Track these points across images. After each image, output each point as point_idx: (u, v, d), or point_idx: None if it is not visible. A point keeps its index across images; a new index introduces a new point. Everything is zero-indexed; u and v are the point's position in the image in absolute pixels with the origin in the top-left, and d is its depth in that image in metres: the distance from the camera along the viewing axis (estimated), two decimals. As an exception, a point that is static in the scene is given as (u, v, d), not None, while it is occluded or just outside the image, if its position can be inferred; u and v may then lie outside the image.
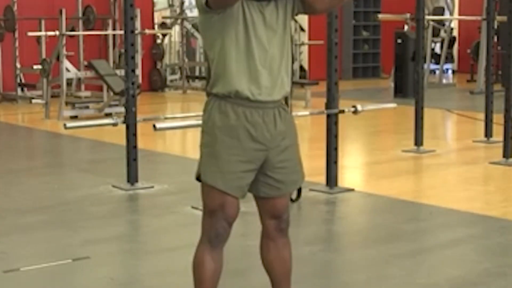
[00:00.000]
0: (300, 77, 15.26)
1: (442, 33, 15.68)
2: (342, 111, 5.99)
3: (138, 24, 11.78)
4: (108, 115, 10.26)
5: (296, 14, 3.01)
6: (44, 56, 11.92)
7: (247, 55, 2.87)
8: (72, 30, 12.86)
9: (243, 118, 2.90)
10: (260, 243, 3.14)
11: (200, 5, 2.86)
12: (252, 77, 2.88)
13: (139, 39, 11.74)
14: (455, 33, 18.10)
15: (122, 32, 6.50)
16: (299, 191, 5.42)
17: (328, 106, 5.96)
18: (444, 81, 16.01)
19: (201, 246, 2.99)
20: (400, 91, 13.14)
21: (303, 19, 16.33)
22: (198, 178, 2.99)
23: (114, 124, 5.85)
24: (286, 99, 3.04)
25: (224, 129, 2.91)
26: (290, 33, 3.00)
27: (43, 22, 12.46)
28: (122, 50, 8.16)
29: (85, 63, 12.13)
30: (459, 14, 16.78)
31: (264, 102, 2.91)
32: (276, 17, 2.92)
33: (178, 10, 15.16)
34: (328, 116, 5.97)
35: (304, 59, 16.49)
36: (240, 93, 2.88)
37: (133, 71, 6.11)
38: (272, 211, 3.05)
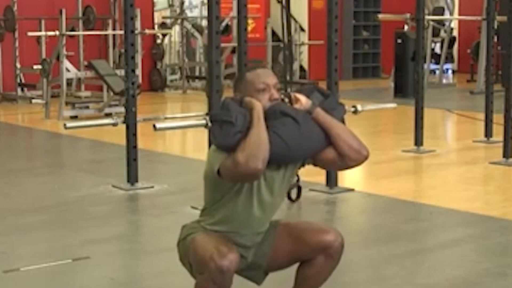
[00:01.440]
0: (300, 77, 15.26)
1: (442, 33, 15.67)
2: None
3: (138, 24, 11.77)
4: (108, 115, 10.26)
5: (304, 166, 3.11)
6: (44, 56, 11.92)
7: (246, 206, 2.96)
8: (72, 30, 12.85)
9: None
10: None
11: (211, 170, 2.92)
12: (246, 222, 2.98)
13: (139, 39, 11.74)
14: (455, 33, 18.10)
15: (122, 32, 6.50)
16: (299, 191, 5.42)
17: (328, 106, 5.95)
18: (444, 81, 16.01)
19: (204, 282, 2.88)
20: (400, 91, 13.13)
21: (303, 19, 16.34)
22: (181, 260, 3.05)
23: (114, 124, 5.85)
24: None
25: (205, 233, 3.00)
26: (288, 186, 3.13)
27: (43, 22, 12.45)
28: (122, 50, 8.16)
29: (85, 63, 12.12)
30: (459, 14, 16.78)
31: (253, 234, 3.03)
32: (282, 179, 3.00)
33: (178, 10, 15.16)
34: (328, 116, 5.96)
35: (304, 59, 16.49)
36: (230, 231, 2.98)
37: (133, 71, 6.11)
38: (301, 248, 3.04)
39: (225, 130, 2.86)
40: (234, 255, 2.81)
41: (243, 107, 2.91)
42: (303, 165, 3.07)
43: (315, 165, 3.08)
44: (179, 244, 3.05)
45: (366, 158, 3.01)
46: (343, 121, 3.10)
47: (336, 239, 3.01)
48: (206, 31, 13.85)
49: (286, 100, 3.01)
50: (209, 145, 5.12)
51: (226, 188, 2.94)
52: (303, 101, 2.99)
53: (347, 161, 2.98)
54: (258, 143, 2.80)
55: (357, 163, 3.00)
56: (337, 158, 2.98)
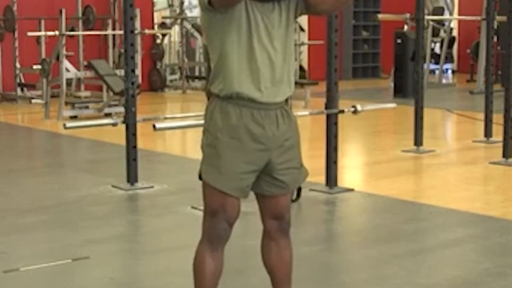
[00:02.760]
0: (300, 77, 15.26)
1: (442, 33, 15.68)
2: (342, 111, 5.99)
3: (138, 24, 11.78)
4: (108, 115, 10.26)
5: (300, 15, 3.01)
6: (44, 56, 11.92)
7: (249, 57, 2.87)
8: (72, 30, 12.86)
9: (245, 118, 2.89)
10: (261, 244, 3.14)
11: (203, 4, 2.86)
12: (254, 79, 2.87)
13: (138, 39, 11.74)
14: (455, 33, 18.11)
15: (122, 32, 6.50)
16: (299, 191, 5.42)
17: (328, 106, 5.96)
18: (443, 81, 16.01)
19: (201, 246, 2.99)
20: (400, 91, 13.14)
21: (303, 19, 16.33)
22: (200, 177, 2.99)
23: (114, 124, 5.85)
24: (286, 99, 3.04)
25: (226, 130, 2.90)
26: (292, 34, 3.00)
27: (43, 22, 12.46)
28: (122, 50, 8.16)
29: (85, 63, 12.13)
30: (459, 14, 16.79)
31: (266, 104, 2.90)
32: (279, 19, 2.91)
33: (177, 10, 15.16)
34: (328, 116, 5.97)
35: (304, 59, 16.49)
36: (241, 94, 2.87)
37: (133, 71, 6.11)
38: (273, 211, 3.05)
39: None
40: (233, 214, 2.93)
41: None
42: (296, 14, 2.95)
43: (308, 10, 2.97)
44: (204, 134, 3.00)
45: None
46: None
47: (281, 217, 3.05)
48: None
49: None
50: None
51: (223, 34, 2.85)
52: None
53: None
54: None
55: None
56: None
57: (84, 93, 12.45)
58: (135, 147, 6.07)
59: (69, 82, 11.82)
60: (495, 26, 9.34)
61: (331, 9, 3.09)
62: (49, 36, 11.48)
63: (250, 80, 2.88)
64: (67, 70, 11.13)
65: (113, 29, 13.42)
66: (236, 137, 2.90)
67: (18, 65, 12.58)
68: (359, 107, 6.04)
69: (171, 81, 15.34)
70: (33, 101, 11.96)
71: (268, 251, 3.11)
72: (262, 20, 2.87)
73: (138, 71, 10.54)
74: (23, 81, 12.81)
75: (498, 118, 7.98)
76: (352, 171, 7.13)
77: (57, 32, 11.02)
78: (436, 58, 16.42)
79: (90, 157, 8.13)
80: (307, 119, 9.07)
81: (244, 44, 2.87)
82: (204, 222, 2.98)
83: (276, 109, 2.94)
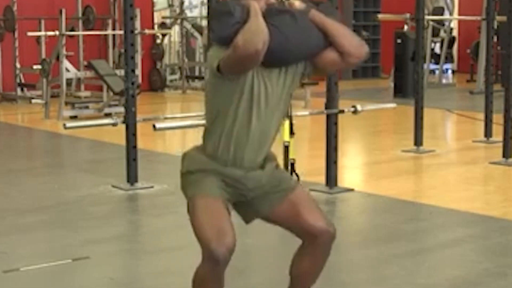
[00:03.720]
0: (300, 80, 15.24)
1: (442, 33, 15.67)
2: (342, 111, 5.99)
3: (138, 24, 11.77)
4: (108, 115, 10.26)
5: (306, 77, 3.07)
6: (44, 56, 11.92)
7: (244, 126, 2.94)
8: (72, 30, 12.85)
9: (224, 172, 2.98)
10: (298, 249, 3.10)
11: (211, 69, 2.90)
12: (241, 147, 2.95)
13: (138, 39, 11.74)
14: (455, 33, 18.10)
15: (122, 32, 6.50)
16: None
17: (328, 106, 5.96)
18: (443, 81, 16.01)
19: (202, 269, 2.89)
20: (400, 91, 13.13)
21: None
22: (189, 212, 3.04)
23: (114, 124, 5.85)
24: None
25: (204, 168, 3.00)
26: (289, 101, 3.07)
27: (43, 22, 12.45)
28: (122, 50, 8.16)
29: (85, 63, 12.13)
30: (459, 14, 16.78)
31: (248, 167, 2.99)
32: (283, 86, 2.96)
33: (178, 10, 15.16)
34: (328, 116, 5.97)
35: (304, 59, 16.46)
36: (224, 160, 2.97)
37: (133, 71, 6.11)
38: (297, 224, 3.03)
39: (223, 21, 2.85)
40: (230, 239, 2.82)
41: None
42: (302, 76, 3.01)
43: (315, 71, 3.03)
44: (181, 176, 3.09)
45: (366, 54, 2.96)
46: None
47: (327, 230, 3.00)
48: (206, 31, 13.85)
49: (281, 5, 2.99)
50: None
51: (225, 98, 2.91)
52: (297, 4, 2.97)
53: (348, 59, 2.93)
54: (256, 28, 2.77)
55: (358, 59, 2.96)
56: (337, 57, 2.93)
57: (84, 93, 12.44)
58: (135, 147, 6.07)
59: (69, 82, 11.82)
60: (495, 26, 9.34)
61: (338, 69, 3.15)
62: (49, 36, 11.48)
63: (236, 149, 2.96)
64: (67, 70, 11.13)
65: (113, 29, 13.41)
66: (213, 174, 2.99)
67: (18, 65, 12.58)
68: (359, 107, 6.04)
69: (171, 81, 15.34)
70: (33, 101, 11.95)
71: (301, 259, 3.07)
72: (265, 89, 2.92)
73: (138, 71, 10.54)
74: (23, 81, 12.81)
75: (498, 118, 7.98)
76: (352, 171, 7.13)
77: (57, 32, 11.02)
78: (436, 58, 16.41)
79: (90, 157, 8.13)
80: (307, 119, 9.06)
81: (243, 114, 2.93)
82: (202, 251, 2.89)
83: (257, 167, 3.02)
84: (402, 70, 13.19)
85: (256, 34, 2.75)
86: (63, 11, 11.18)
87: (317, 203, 3.13)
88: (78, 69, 12.21)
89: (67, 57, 11.26)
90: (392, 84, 13.85)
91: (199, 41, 15.28)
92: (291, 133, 5.07)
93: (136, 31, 7.96)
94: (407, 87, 12.84)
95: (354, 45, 2.93)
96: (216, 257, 2.79)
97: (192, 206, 2.98)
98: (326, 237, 3.00)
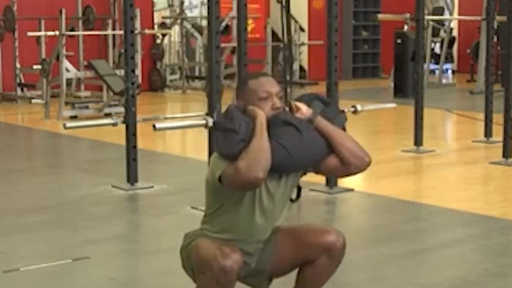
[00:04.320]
0: (300, 77, 15.26)
1: (442, 33, 15.67)
2: (342, 111, 5.98)
3: (138, 24, 11.78)
4: (108, 115, 10.26)
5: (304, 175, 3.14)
6: (44, 56, 11.92)
7: (248, 222, 2.97)
8: (72, 30, 12.85)
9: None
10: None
11: (213, 175, 2.93)
12: (243, 237, 3.00)
13: (138, 39, 11.74)
14: (455, 33, 18.10)
15: (122, 32, 6.50)
16: (299, 191, 5.40)
17: (328, 106, 5.95)
18: (444, 81, 16.01)
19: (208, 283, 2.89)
20: (400, 91, 13.13)
21: (303, 19, 16.34)
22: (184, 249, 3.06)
23: (114, 124, 5.85)
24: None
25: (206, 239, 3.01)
26: (291, 192, 3.14)
27: (43, 22, 12.46)
28: (122, 50, 8.16)
29: (85, 63, 12.13)
30: (459, 14, 16.78)
31: (248, 247, 3.03)
32: (284, 188, 3.02)
33: (178, 10, 15.16)
34: (328, 116, 5.96)
35: (304, 59, 16.49)
36: (230, 240, 2.99)
37: (133, 71, 6.11)
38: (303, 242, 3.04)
39: (228, 138, 2.88)
40: (237, 256, 2.82)
41: (246, 115, 2.92)
42: (305, 173, 3.09)
43: (316, 172, 3.10)
44: (182, 251, 3.08)
45: (368, 165, 3.02)
46: (344, 129, 3.13)
47: (338, 239, 3.01)
48: (206, 31, 13.85)
49: (287, 109, 3.02)
50: (209, 147, 5.13)
51: (227, 195, 2.95)
52: (304, 110, 3.01)
53: (350, 168, 3.00)
54: (259, 152, 2.81)
55: (360, 170, 3.02)
56: (339, 165, 2.99)
57: (84, 93, 12.44)
58: (135, 147, 6.07)
59: (69, 82, 11.82)
60: (495, 26, 9.33)
61: (339, 173, 3.27)
62: (49, 36, 11.48)
63: (245, 232, 3.00)
64: (67, 70, 11.13)
65: (113, 29, 13.41)
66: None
67: (18, 65, 12.58)
68: (359, 107, 6.04)
69: (171, 81, 15.34)
70: (33, 101, 11.96)
71: (313, 264, 3.05)
72: (267, 191, 2.97)
73: (138, 71, 10.54)
74: (23, 81, 12.81)
75: (498, 118, 7.98)
76: (352, 171, 7.11)
77: (57, 32, 11.02)
78: (436, 58, 16.41)
79: (90, 157, 8.13)
80: (307, 119, 9.04)
81: (245, 212, 2.96)
82: (208, 274, 2.86)
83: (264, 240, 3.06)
84: (402, 70, 13.19)
85: (258, 161, 2.79)
86: (63, 11, 11.19)
87: (310, 224, 3.16)
88: (78, 69, 12.21)
89: (67, 57, 11.26)
90: (392, 84, 13.85)
91: (199, 41, 15.27)
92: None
93: (136, 31, 7.97)
94: (407, 87, 12.84)
95: (357, 156, 3.00)
96: (223, 267, 2.78)
97: (195, 248, 2.97)
98: (338, 248, 3.03)
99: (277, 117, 2.95)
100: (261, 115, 2.90)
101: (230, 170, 2.83)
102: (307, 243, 3.00)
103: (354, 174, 3.04)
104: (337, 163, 2.99)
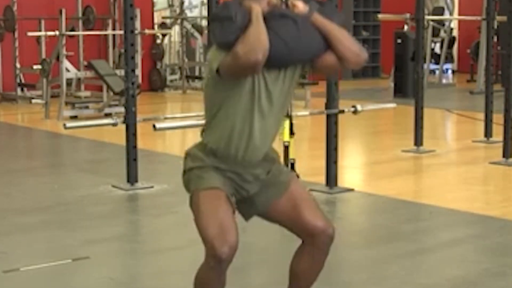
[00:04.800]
0: (300, 77, 15.24)
1: (442, 33, 15.67)
2: (342, 111, 5.99)
3: (138, 24, 11.77)
4: (108, 115, 10.26)
5: (305, 74, 3.08)
6: (44, 56, 11.93)
7: (245, 120, 2.94)
8: (72, 30, 12.86)
9: (226, 167, 3.00)
10: (297, 250, 3.11)
11: (211, 69, 2.91)
12: (243, 141, 2.96)
13: (139, 39, 11.74)
14: (455, 33, 18.10)
15: (122, 32, 6.51)
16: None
17: (328, 106, 5.96)
18: (444, 81, 16.01)
19: (205, 267, 2.92)
20: (400, 91, 13.13)
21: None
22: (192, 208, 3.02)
23: (114, 124, 5.85)
24: None
25: (205, 163, 3.01)
26: (291, 97, 3.08)
27: (43, 22, 12.46)
28: (122, 50, 8.17)
29: (85, 63, 12.13)
30: (459, 14, 16.78)
31: (248, 161, 3.00)
32: (281, 85, 2.97)
33: (178, 10, 15.16)
34: (328, 116, 5.97)
35: (304, 59, 16.46)
36: (226, 154, 2.98)
37: (133, 71, 6.11)
38: (294, 222, 3.03)
39: (225, 27, 2.86)
40: (233, 239, 2.83)
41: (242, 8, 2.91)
42: (303, 75, 3.04)
43: (313, 71, 3.07)
44: (183, 174, 3.10)
45: (365, 61, 2.99)
46: (344, 28, 3.07)
47: (325, 230, 3.00)
48: (206, 31, 13.85)
49: (284, 6, 2.99)
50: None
51: (226, 93, 2.92)
52: (301, 6, 2.97)
53: (347, 64, 2.97)
54: (257, 37, 2.79)
55: (356, 65, 2.99)
56: (336, 62, 2.96)
57: (84, 93, 12.45)
58: (135, 147, 6.07)
59: (69, 82, 11.82)
60: (495, 26, 9.33)
61: (336, 71, 3.17)
62: (49, 36, 11.48)
63: (244, 138, 2.95)
64: (67, 70, 11.13)
65: (113, 29, 13.41)
66: (215, 171, 3.00)
67: (18, 65, 12.58)
68: (359, 107, 6.04)
69: (171, 81, 15.34)
70: (33, 101, 11.97)
71: (300, 259, 3.08)
72: (265, 87, 2.93)
73: (138, 71, 10.53)
74: (23, 81, 12.81)
75: (498, 118, 7.98)
76: (352, 171, 7.13)
77: (57, 32, 11.02)
78: (436, 58, 16.41)
79: (90, 157, 8.13)
80: (307, 119, 9.07)
81: (244, 109, 2.93)
82: (205, 249, 2.90)
83: (257, 165, 3.02)
84: (402, 70, 13.19)
85: (256, 44, 2.77)
86: (63, 11, 11.19)
87: (317, 202, 3.13)
88: (78, 69, 12.21)
89: (67, 57, 11.26)
90: (392, 84, 13.85)
91: (199, 41, 15.27)
92: (291, 133, 5.08)
93: (136, 31, 7.96)
94: (407, 87, 12.84)
95: (353, 51, 2.96)
96: (219, 256, 2.81)
97: (195, 201, 2.98)
98: (325, 237, 3.01)
99: (273, 11, 2.92)
100: (257, 8, 2.88)
101: (228, 57, 2.81)
102: (299, 218, 3.01)
103: (351, 68, 3.04)
104: (334, 59, 2.95)
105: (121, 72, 9.74)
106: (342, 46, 2.94)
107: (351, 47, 2.96)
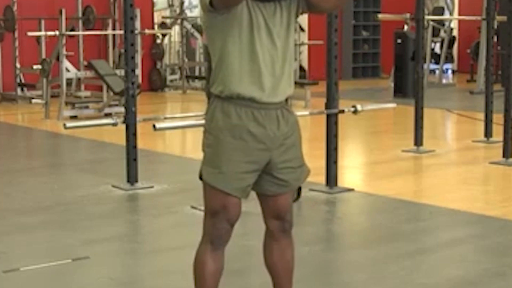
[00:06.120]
0: (300, 77, 15.25)
1: (442, 33, 15.68)
2: (342, 111, 5.99)
3: (138, 24, 11.77)
4: (108, 115, 10.26)
5: (301, 14, 3.02)
6: (44, 56, 11.92)
7: (250, 57, 2.87)
8: (72, 30, 12.86)
9: (246, 119, 2.90)
10: (263, 244, 3.14)
11: (204, 5, 2.87)
12: (255, 78, 2.88)
13: (139, 39, 11.73)
14: (455, 33, 18.11)
15: (122, 32, 6.51)
16: (299, 191, 5.42)
17: (328, 106, 5.96)
18: (444, 81, 16.01)
19: (202, 246, 2.99)
20: (400, 91, 13.14)
21: (303, 19, 16.33)
22: (201, 177, 2.99)
23: (114, 124, 5.85)
24: (286, 99, 3.05)
25: (227, 130, 2.91)
26: (293, 34, 3.01)
27: (43, 22, 12.46)
28: (122, 50, 8.17)
29: (85, 63, 12.13)
30: (459, 14, 16.79)
31: (267, 104, 2.91)
32: (280, 18, 2.92)
33: (178, 10, 15.16)
34: (328, 116, 5.97)
35: (304, 59, 16.49)
36: (242, 95, 2.88)
37: (133, 71, 6.11)
38: (275, 210, 3.05)
39: None
40: (234, 214, 2.92)
41: None
42: (297, 12, 2.96)
43: (310, 8, 2.98)
44: (204, 133, 3.01)
45: None
46: None
47: (281, 228, 3.06)
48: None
49: None
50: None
51: (225, 31, 2.86)
52: None
53: None
54: None
55: None
56: None
57: (84, 93, 12.45)
58: (135, 147, 6.07)
59: (69, 82, 11.82)
60: (495, 26, 9.33)
61: (333, 7, 3.14)
62: (49, 36, 11.48)
63: (251, 81, 2.88)
64: (67, 70, 11.13)
65: (113, 29, 13.42)
66: (237, 137, 2.90)
67: (18, 65, 12.58)
68: (359, 107, 6.04)
69: (171, 81, 15.34)
70: (33, 101, 11.97)
71: (270, 251, 3.12)
72: (264, 20, 2.88)
73: (138, 71, 10.53)
74: (23, 81, 12.82)
75: (498, 118, 7.98)
76: (352, 171, 7.13)
77: (57, 32, 11.02)
78: (436, 58, 16.42)
79: (90, 157, 8.13)
80: (307, 119, 9.07)
81: (246, 45, 2.87)
82: (204, 223, 2.98)
83: (276, 108, 2.95)
84: (402, 70, 13.19)
85: None
86: (63, 11, 11.18)
87: (291, 201, 3.14)
88: (78, 69, 12.21)
89: (67, 57, 11.26)
90: (392, 84, 13.86)
91: (199, 41, 15.27)
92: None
93: (136, 31, 7.96)
94: (407, 87, 12.84)
95: None
96: (217, 229, 2.92)
97: (207, 188, 2.97)
98: (281, 222, 3.06)
99: None
100: None
101: None
102: (269, 206, 3.05)
103: (342, 4, 3.00)
104: None
105: (121, 72, 9.75)
106: None
107: None
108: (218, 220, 2.93)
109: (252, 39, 2.87)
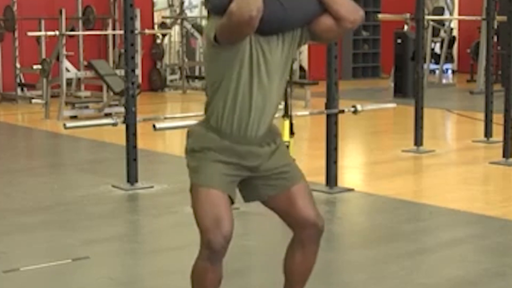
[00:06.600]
0: (300, 77, 15.25)
1: (442, 33, 15.68)
2: (342, 111, 5.99)
3: (138, 24, 11.76)
4: (108, 115, 10.26)
5: (304, 44, 3.05)
6: (44, 56, 11.92)
7: (246, 95, 2.91)
8: (72, 30, 12.86)
9: (227, 147, 2.97)
10: (289, 244, 3.12)
11: (208, 39, 2.89)
12: (244, 117, 2.94)
13: (139, 39, 11.73)
14: (455, 33, 18.11)
15: (122, 32, 6.51)
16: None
17: (328, 106, 5.96)
18: (444, 81, 16.01)
19: (200, 260, 2.95)
20: (400, 91, 13.14)
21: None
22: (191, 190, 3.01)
23: (114, 124, 5.85)
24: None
25: (208, 146, 2.99)
26: (290, 68, 3.04)
27: (43, 22, 12.45)
28: (122, 50, 8.17)
29: (85, 63, 12.13)
30: (459, 14, 16.79)
31: (249, 138, 2.97)
32: (281, 52, 2.95)
33: (178, 10, 15.16)
34: (328, 116, 5.97)
35: (304, 59, 16.49)
36: (227, 130, 2.95)
37: (133, 71, 6.11)
38: (292, 214, 3.03)
39: None
40: (227, 229, 2.86)
41: None
42: (300, 43, 3.00)
43: (313, 38, 3.02)
44: (186, 153, 3.13)
45: (362, 18, 2.94)
46: None
47: (316, 223, 3.03)
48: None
49: None
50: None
51: (226, 67, 2.89)
52: None
53: (345, 24, 2.93)
54: None
55: (353, 24, 2.95)
56: (333, 23, 2.93)
57: (84, 93, 12.45)
58: (135, 147, 6.07)
59: (69, 82, 11.82)
60: (495, 26, 9.33)
61: (336, 37, 3.17)
62: (49, 36, 11.48)
63: (240, 121, 2.94)
64: (67, 70, 11.13)
65: (113, 29, 13.41)
66: (217, 152, 2.97)
67: (18, 65, 12.58)
68: (359, 107, 6.04)
69: (171, 81, 15.34)
70: (33, 101, 11.97)
71: (293, 254, 3.09)
72: (264, 57, 2.91)
73: (138, 71, 10.52)
74: (23, 81, 12.81)
75: (498, 118, 7.98)
76: (352, 171, 7.13)
77: (57, 32, 11.02)
78: (436, 58, 16.42)
79: (90, 157, 8.13)
80: (307, 119, 9.07)
81: (244, 84, 2.91)
82: (200, 240, 2.94)
83: (258, 142, 2.99)
84: (402, 70, 13.19)
85: (250, 0, 2.74)
86: (63, 11, 11.18)
87: (313, 197, 3.12)
88: (78, 69, 12.21)
89: (67, 57, 11.26)
90: (392, 84, 13.85)
91: (199, 41, 15.27)
92: (291, 133, 5.08)
93: (136, 31, 7.96)
94: (407, 87, 12.84)
95: (349, 10, 2.92)
96: (213, 247, 2.85)
97: (194, 193, 2.98)
98: (314, 230, 3.03)
99: None
100: None
101: (224, 18, 2.79)
102: (293, 209, 3.03)
103: (348, 30, 2.99)
104: (331, 21, 2.92)
105: (121, 72, 9.74)
106: (336, 5, 2.91)
107: (346, 6, 2.92)
108: (212, 237, 2.87)
109: (251, 79, 2.90)
